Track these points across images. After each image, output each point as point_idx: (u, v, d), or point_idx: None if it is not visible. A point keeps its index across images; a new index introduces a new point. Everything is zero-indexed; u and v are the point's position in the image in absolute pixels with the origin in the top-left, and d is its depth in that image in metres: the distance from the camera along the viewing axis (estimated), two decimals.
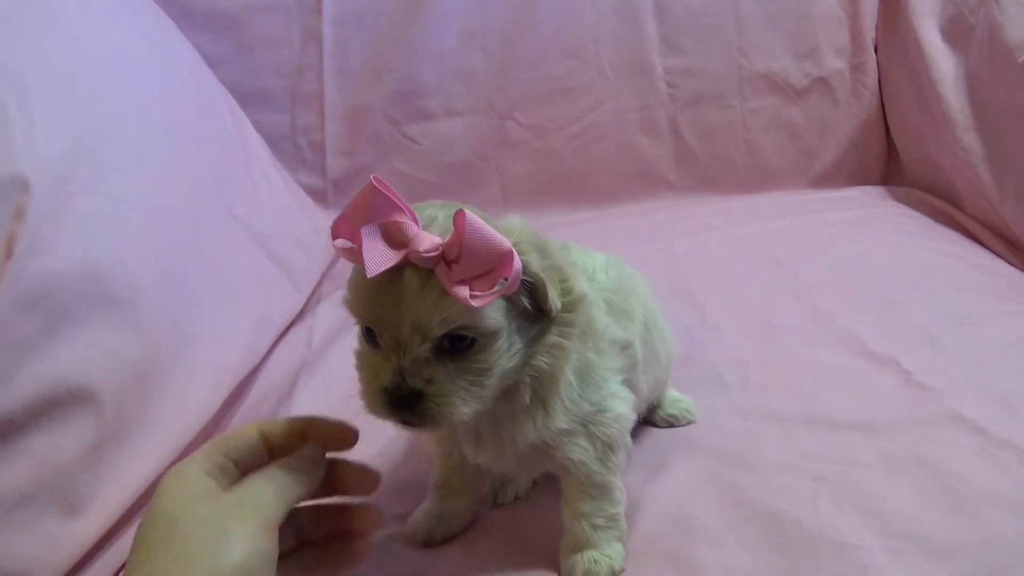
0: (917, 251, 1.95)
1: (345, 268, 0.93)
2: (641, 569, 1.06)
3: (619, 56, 2.49)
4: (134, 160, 1.41)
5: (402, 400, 0.87)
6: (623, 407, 1.07)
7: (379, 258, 0.82)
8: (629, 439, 1.12)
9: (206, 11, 2.33)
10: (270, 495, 0.83)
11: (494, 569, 1.09)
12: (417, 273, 0.84)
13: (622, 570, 1.08)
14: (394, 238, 0.83)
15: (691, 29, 2.48)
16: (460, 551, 1.13)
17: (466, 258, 0.82)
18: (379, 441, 1.35)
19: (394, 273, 0.84)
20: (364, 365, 0.92)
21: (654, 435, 1.37)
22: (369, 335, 0.91)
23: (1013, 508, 1.11)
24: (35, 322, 1.07)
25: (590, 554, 1.06)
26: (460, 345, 0.88)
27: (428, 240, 0.83)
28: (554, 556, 1.09)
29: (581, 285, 0.97)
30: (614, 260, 1.20)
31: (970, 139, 2.08)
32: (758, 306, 1.76)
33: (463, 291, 0.83)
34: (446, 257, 0.83)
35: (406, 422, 0.90)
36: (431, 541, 1.13)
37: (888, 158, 2.56)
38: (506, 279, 0.84)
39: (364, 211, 0.83)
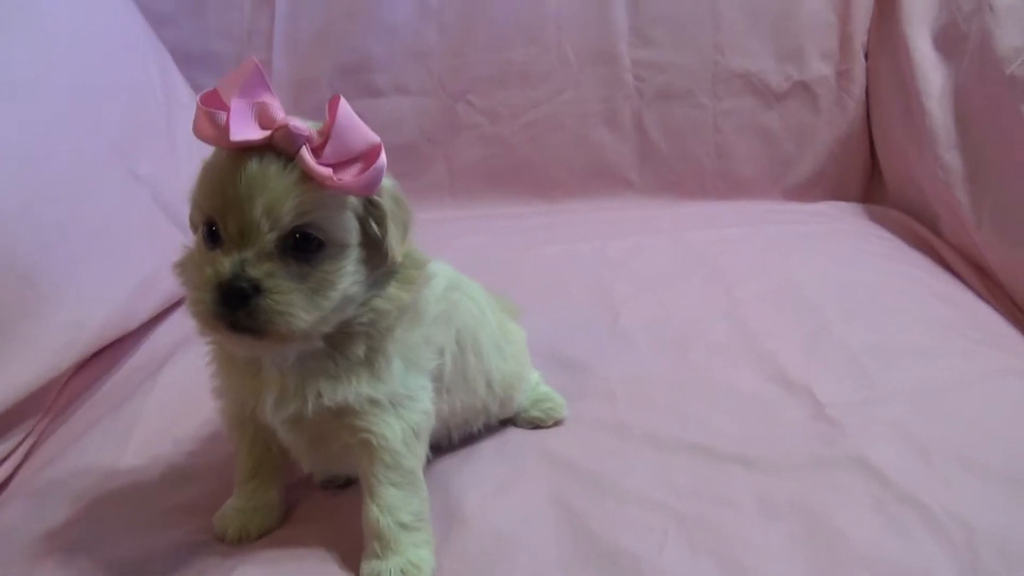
0: (877, 274, 1.77)
1: None
2: None
3: (583, 43, 2.33)
4: (12, 104, 1.37)
5: (239, 295, 0.84)
6: (429, 404, 1.03)
7: (246, 127, 0.84)
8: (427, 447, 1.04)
9: None
10: None
11: (310, 568, 1.00)
12: (277, 158, 0.85)
13: None
14: (262, 120, 0.85)
15: (664, 20, 2.31)
16: (275, 548, 1.04)
17: (335, 140, 0.84)
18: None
19: (252, 158, 0.85)
20: (197, 266, 0.89)
21: (514, 443, 1.25)
22: (210, 235, 0.88)
23: None
24: None
25: (396, 563, 0.95)
26: (307, 248, 0.87)
27: (298, 121, 0.85)
28: None
29: (425, 256, 1.00)
30: (452, 273, 1.16)
31: (951, 157, 1.89)
32: (680, 319, 1.61)
33: (326, 170, 0.84)
34: (311, 143, 0.85)
35: (239, 327, 0.86)
36: (246, 537, 1.05)
37: (870, 174, 2.37)
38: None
39: (238, 87, 0.84)
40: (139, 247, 1.59)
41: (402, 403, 0.99)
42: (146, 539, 1.04)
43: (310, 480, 1.15)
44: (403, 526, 0.97)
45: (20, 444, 1.24)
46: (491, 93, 2.34)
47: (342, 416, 0.97)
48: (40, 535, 1.06)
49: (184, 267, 0.96)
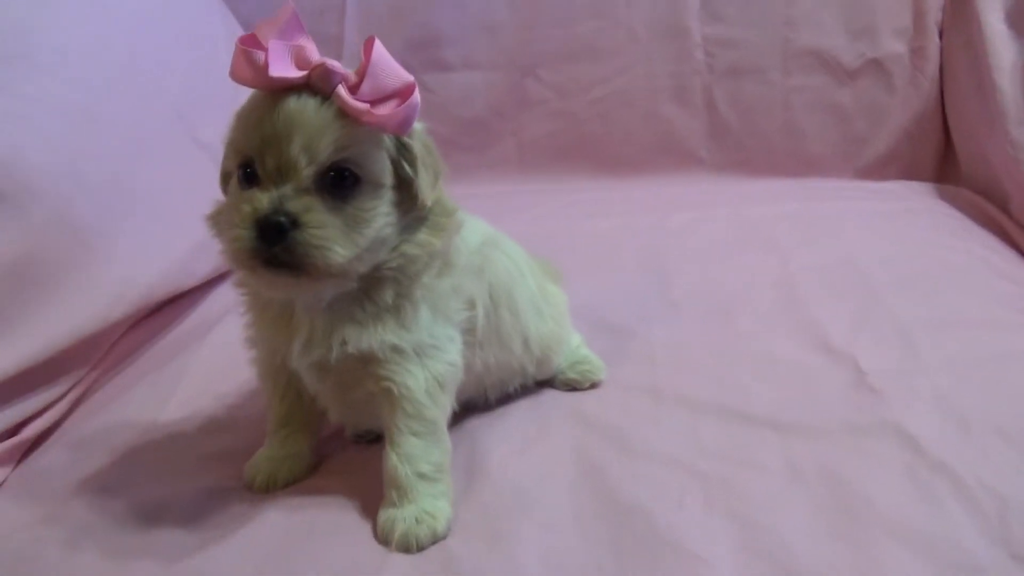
0: (938, 251, 1.74)
1: None
2: (457, 541, 0.96)
3: (654, 18, 2.32)
4: (70, 68, 1.42)
5: (277, 229, 0.86)
6: (457, 356, 1.04)
7: (284, 66, 0.86)
8: (454, 397, 1.05)
9: None
10: None
11: (330, 516, 1.01)
12: (314, 97, 0.88)
13: (445, 536, 0.96)
14: (299, 61, 0.87)
15: None
16: (300, 496, 1.06)
17: (370, 78, 0.87)
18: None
19: (290, 97, 0.87)
20: (233, 207, 0.90)
21: (547, 404, 1.25)
22: (246, 177, 0.90)
23: (912, 544, 0.92)
24: None
25: (412, 511, 0.96)
26: (343, 184, 0.89)
27: (333, 62, 0.87)
28: None
29: (454, 204, 1.02)
30: (490, 231, 1.18)
31: (1020, 133, 1.85)
32: (730, 288, 1.61)
33: (363, 104, 0.87)
34: (348, 81, 0.87)
35: (276, 263, 0.87)
36: (273, 485, 1.07)
37: (944, 153, 2.31)
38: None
39: (276, 30, 0.86)
40: (197, 210, 1.63)
41: (427, 352, 0.99)
42: (175, 484, 1.07)
43: (342, 433, 1.17)
44: (422, 476, 0.98)
45: (66, 394, 1.28)
46: (560, 68, 2.35)
47: (366, 364, 0.98)
48: (75, 478, 1.10)
49: (216, 218, 0.99)
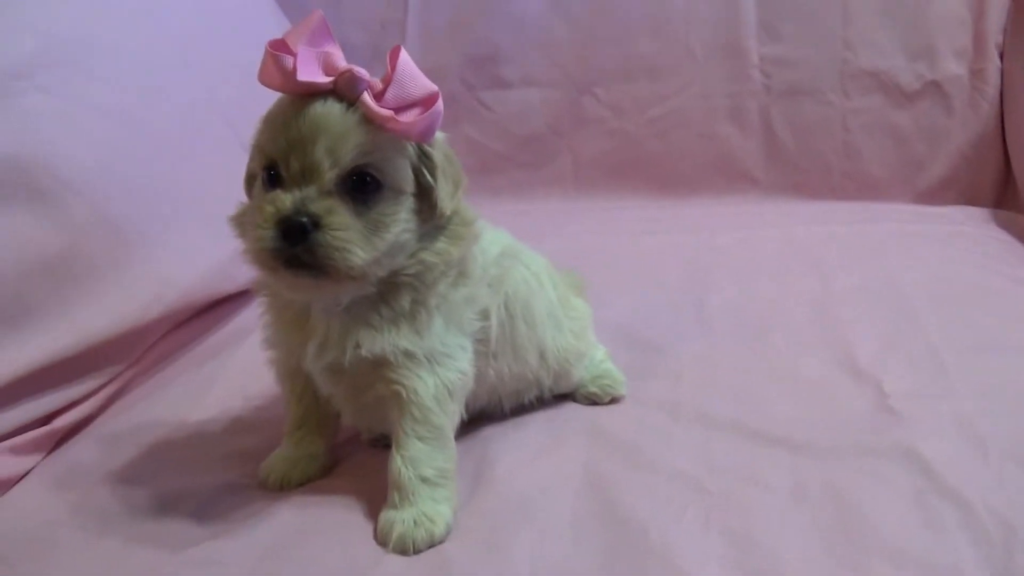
0: (983, 276, 1.72)
1: None
2: (454, 544, 0.98)
3: (712, 38, 2.32)
4: (120, 73, 1.48)
5: (299, 229, 0.88)
6: (467, 365, 1.05)
7: (312, 71, 0.89)
8: (463, 407, 1.06)
9: None
10: None
11: (335, 515, 1.04)
12: (339, 102, 0.90)
13: (443, 540, 0.98)
14: (326, 68, 0.90)
15: (793, 15, 2.27)
16: (310, 495, 1.08)
17: (395, 86, 0.89)
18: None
19: (316, 102, 0.90)
20: (257, 208, 0.93)
21: (564, 416, 1.26)
22: (270, 180, 0.93)
23: (909, 570, 0.91)
24: None
25: (411, 513, 0.97)
26: (365, 188, 0.92)
27: (360, 69, 0.90)
28: None
29: (473, 214, 1.04)
30: (511, 242, 1.19)
31: None
32: (766, 306, 1.61)
33: (387, 111, 0.89)
34: (373, 89, 0.90)
35: (297, 263, 0.90)
36: (286, 484, 1.10)
37: (1004, 179, 2.26)
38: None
39: (305, 37, 0.90)
40: None
41: (438, 360, 1.01)
42: (195, 479, 1.11)
43: (359, 437, 1.20)
44: (424, 480, 0.99)
45: (100, 389, 1.33)
46: (617, 86, 2.36)
47: (378, 368, 1.00)
48: (101, 470, 1.15)
49: (240, 219, 1.02)
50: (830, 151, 2.30)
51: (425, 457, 1.00)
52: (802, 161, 2.32)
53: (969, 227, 2.05)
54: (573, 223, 2.15)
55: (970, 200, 2.24)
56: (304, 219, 0.88)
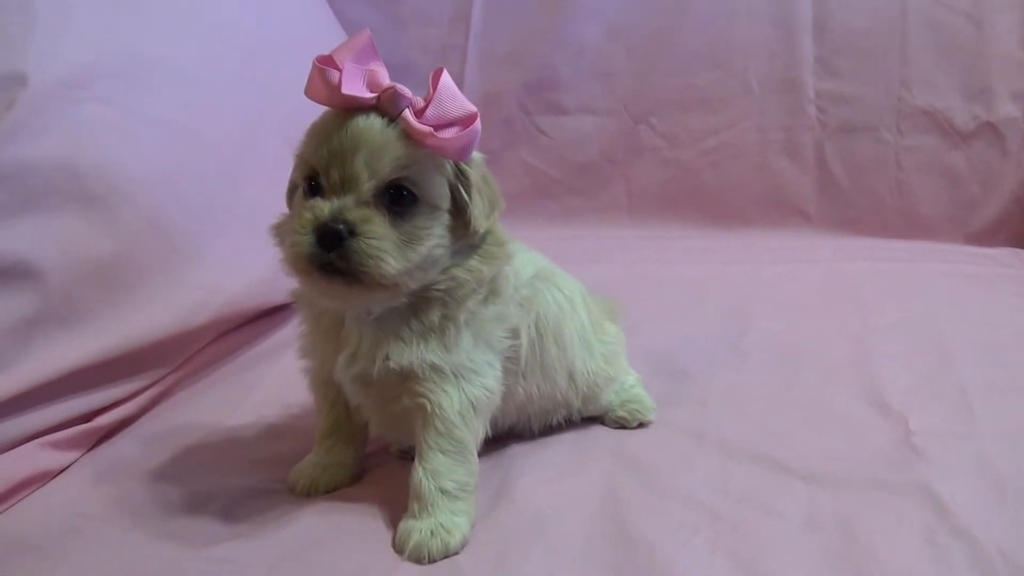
0: None
1: None
2: (468, 556, 1.00)
3: (768, 71, 2.35)
4: (178, 88, 1.53)
5: (335, 236, 0.91)
6: (493, 382, 1.07)
7: (357, 86, 0.93)
8: (487, 424, 1.08)
9: None
10: None
11: (358, 522, 1.07)
12: (381, 118, 0.94)
13: (457, 551, 1.00)
14: (371, 85, 0.94)
15: (850, 52, 2.29)
16: (335, 501, 1.12)
17: (436, 104, 0.93)
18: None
19: (359, 116, 0.94)
20: (296, 215, 0.96)
21: (590, 439, 1.28)
22: (311, 189, 0.97)
23: None
24: None
25: (428, 524, 1.00)
26: (401, 201, 0.95)
27: (402, 87, 0.94)
28: None
29: (506, 235, 1.07)
30: (545, 264, 1.21)
31: None
32: (803, 341, 1.62)
33: (426, 128, 0.93)
34: (414, 106, 0.94)
35: (332, 268, 0.93)
36: (314, 490, 1.13)
37: None
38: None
39: (352, 54, 0.94)
40: None
41: (465, 376, 1.03)
42: (225, 480, 1.15)
43: (389, 449, 1.23)
44: (444, 492, 1.02)
45: (143, 391, 1.38)
46: (673, 117, 2.39)
47: (406, 380, 1.02)
48: (137, 468, 1.19)
49: (280, 228, 1.05)
50: (883, 189, 2.31)
51: (446, 470, 1.03)
52: (854, 198, 2.33)
53: (1018, 270, 2.04)
54: (623, 250, 2.18)
55: (1021, 243, 2.23)
56: (341, 226, 0.91)
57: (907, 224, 2.30)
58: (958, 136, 2.26)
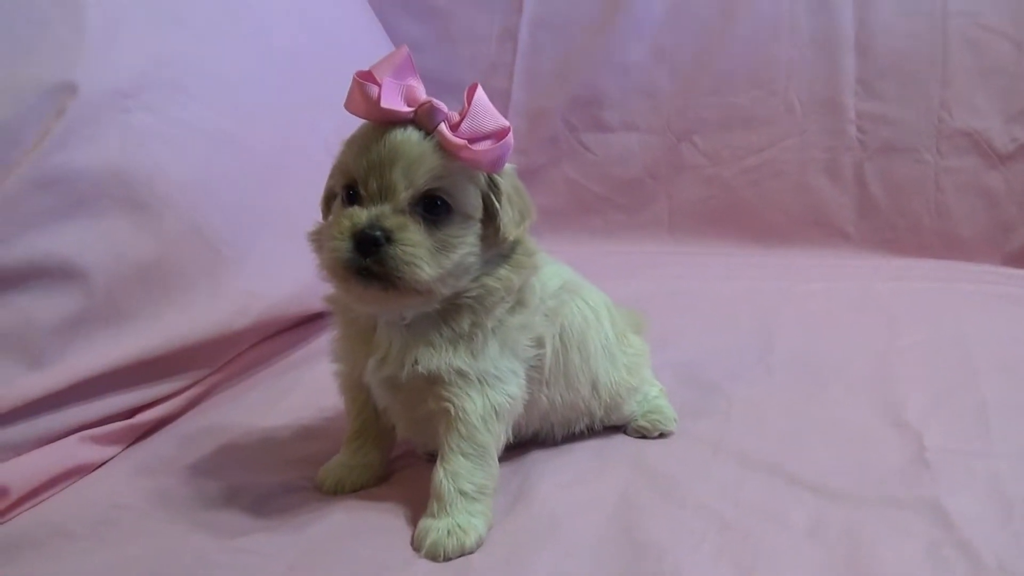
0: None
1: None
2: (481, 556, 1.04)
3: (810, 91, 2.38)
4: (221, 97, 1.59)
5: (372, 242, 0.96)
6: (517, 389, 1.10)
7: (395, 100, 0.98)
8: (510, 429, 1.12)
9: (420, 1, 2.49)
10: None
11: (380, 519, 1.11)
12: (418, 131, 0.98)
13: (472, 551, 1.04)
14: (408, 99, 0.98)
15: (891, 73, 2.32)
16: (360, 500, 1.16)
17: (470, 118, 0.98)
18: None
19: (396, 129, 0.98)
20: (335, 223, 1.00)
21: (611, 447, 1.32)
22: (349, 198, 1.01)
23: None
24: (46, 202, 1.25)
25: (446, 523, 1.04)
26: (436, 210, 0.99)
27: (439, 102, 0.98)
28: None
29: (535, 246, 1.11)
30: (572, 277, 1.25)
31: None
32: (828, 357, 1.65)
33: (461, 141, 0.97)
34: (450, 120, 0.98)
35: (368, 273, 0.97)
36: (340, 489, 1.17)
37: None
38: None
39: (391, 69, 0.98)
40: None
41: (490, 382, 1.07)
42: (257, 477, 1.21)
43: (416, 452, 1.28)
44: (463, 493, 1.06)
45: (183, 391, 1.43)
46: (715, 135, 2.43)
47: (432, 384, 1.06)
48: (173, 465, 1.25)
49: (317, 235, 1.10)
50: (922, 209, 2.33)
51: (466, 472, 1.07)
52: (893, 218, 2.35)
53: None
54: (663, 266, 2.22)
55: None
56: (378, 232, 0.96)
57: (945, 245, 2.31)
58: (997, 158, 2.27)
